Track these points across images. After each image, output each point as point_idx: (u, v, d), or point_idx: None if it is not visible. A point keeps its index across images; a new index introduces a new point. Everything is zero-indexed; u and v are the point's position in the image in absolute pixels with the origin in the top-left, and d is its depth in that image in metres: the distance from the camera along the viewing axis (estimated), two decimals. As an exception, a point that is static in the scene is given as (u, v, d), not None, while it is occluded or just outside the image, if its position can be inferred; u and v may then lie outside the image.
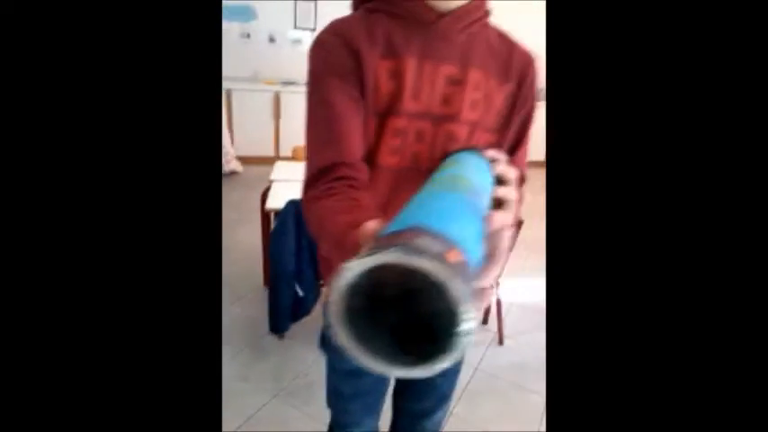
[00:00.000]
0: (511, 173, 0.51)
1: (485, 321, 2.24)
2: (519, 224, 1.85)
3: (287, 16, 4.61)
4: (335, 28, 0.65)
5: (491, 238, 0.33)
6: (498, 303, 2.08)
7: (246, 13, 4.52)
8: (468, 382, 1.86)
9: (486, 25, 0.71)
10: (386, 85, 0.64)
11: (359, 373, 0.84)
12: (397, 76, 0.63)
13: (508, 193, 0.50)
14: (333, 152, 0.61)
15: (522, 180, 0.79)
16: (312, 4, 4.61)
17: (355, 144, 0.63)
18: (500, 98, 0.70)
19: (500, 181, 0.51)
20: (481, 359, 1.99)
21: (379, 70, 0.63)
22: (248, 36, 4.58)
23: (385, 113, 0.64)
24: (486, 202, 0.40)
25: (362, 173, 0.63)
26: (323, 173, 0.61)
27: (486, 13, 0.70)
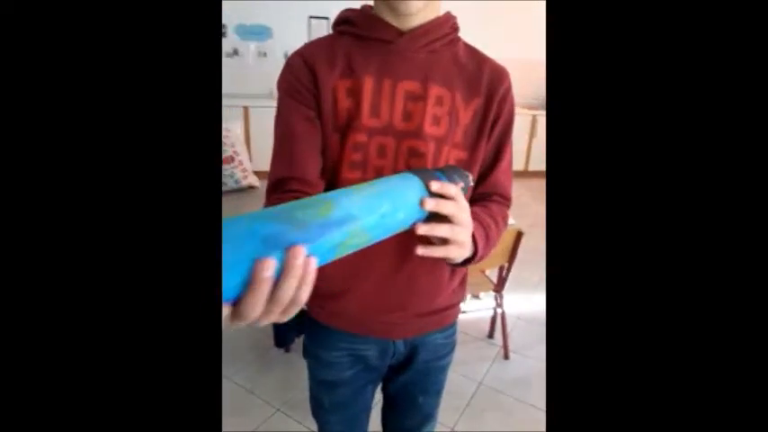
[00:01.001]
0: (449, 208, 0.50)
1: (490, 335, 2.22)
2: (518, 236, 1.84)
3: (301, 34, 4.72)
4: (302, 51, 0.70)
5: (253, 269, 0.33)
6: (503, 317, 2.06)
7: (263, 33, 4.66)
8: (472, 397, 1.84)
9: (453, 42, 0.71)
10: (343, 103, 0.67)
11: (335, 384, 0.85)
12: (355, 93, 0.67)
13: (432, 229, 0.50)
14: (286, 167, 0.67)
15: (505, 200, 0.76)
16: (325, 21, 4.71)
17: (307, 162, 0.68)
18: (467, 114, 0.70)
19: (435, 216, 0.50)
20: (485, 374, 1.97)
21: (337, 89, 0.67)
22: (265, 55, 4.72)
23: (345, 129, 0.68)
24: (336, 234, 0.39)
25: (314, 188, 0.67)
26: (276, 185, 0.67)
27: (453, 30, 0.71)
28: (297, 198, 0.60)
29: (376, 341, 0.81)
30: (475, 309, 2.28)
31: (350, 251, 0.41)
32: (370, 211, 0.42)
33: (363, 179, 0.67)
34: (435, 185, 0.49)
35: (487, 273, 2.12)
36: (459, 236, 0.53)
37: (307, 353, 0.87)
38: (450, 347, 0.88)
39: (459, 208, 0.51)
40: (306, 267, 0.35)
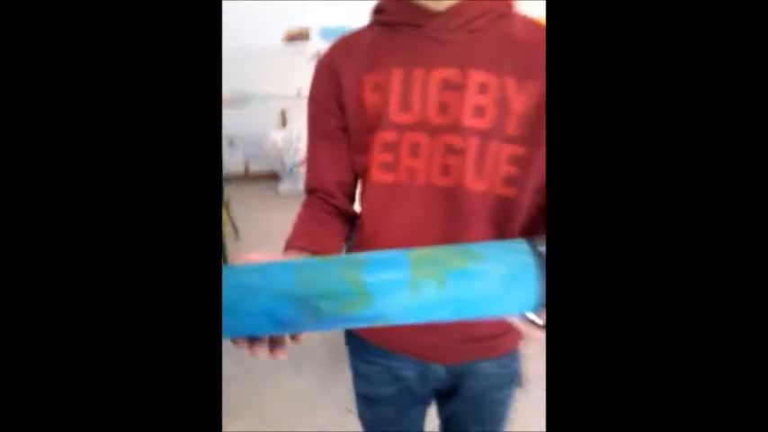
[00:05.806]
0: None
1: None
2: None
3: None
4: (327, 52, 0.68)
5: None
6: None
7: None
8: None
9: (505, 16, 0.60)
10: (370, 99, 0.62)
11: (375, 400, 0.81)
12: (382, 88, 0.61)
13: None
14: (310, 178, 0.72)
15: None
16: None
17: (325, 176, 0.69)
18: (521, 100, 0.58)
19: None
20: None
21: (362, 85, 0.63)
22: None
23: (372, 128, 0.63)
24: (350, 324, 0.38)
25: (335, 198, 0.69)
26: (307, 190, 0.72)
27: (505, 3, 0.61)
28: (324, 203, 0.66)
29: (413, 362, 0.74)
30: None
31: None
32: (411, 316, 0.38)
33: (396, 181, 0.62)
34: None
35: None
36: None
37: (349, 362, 0.84)
38: (508, 378, 0.78)
39: None
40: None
